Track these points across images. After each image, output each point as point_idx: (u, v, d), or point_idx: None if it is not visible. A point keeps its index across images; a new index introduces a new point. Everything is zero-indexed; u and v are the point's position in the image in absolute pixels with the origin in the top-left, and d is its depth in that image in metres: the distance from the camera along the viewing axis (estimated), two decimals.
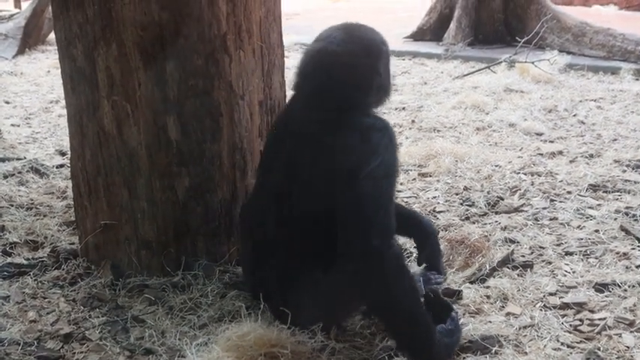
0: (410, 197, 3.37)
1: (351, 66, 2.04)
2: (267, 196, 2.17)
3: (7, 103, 5.77)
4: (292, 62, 6.25)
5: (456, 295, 2.39)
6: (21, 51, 8.34)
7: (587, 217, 3.07)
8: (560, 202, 3.25)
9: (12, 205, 3.28)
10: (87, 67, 2.46)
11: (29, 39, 8.59)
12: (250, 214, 2.30)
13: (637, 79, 6.18)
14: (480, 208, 3.19)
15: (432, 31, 7.86)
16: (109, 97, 2.44)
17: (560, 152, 4.02)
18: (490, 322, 2.24)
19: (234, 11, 2.45)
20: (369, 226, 1.89)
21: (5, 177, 3.67)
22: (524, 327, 2.20)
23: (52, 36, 8.35)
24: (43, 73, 7.11)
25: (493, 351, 2.07)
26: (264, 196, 2.20)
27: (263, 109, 2.62)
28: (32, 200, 3.37)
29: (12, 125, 4.96)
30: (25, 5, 12.67)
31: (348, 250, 1.91)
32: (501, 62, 6.38)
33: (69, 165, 2.97)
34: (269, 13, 2.61)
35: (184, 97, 2.42)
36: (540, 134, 4.43)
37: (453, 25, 7.57)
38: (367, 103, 2.09)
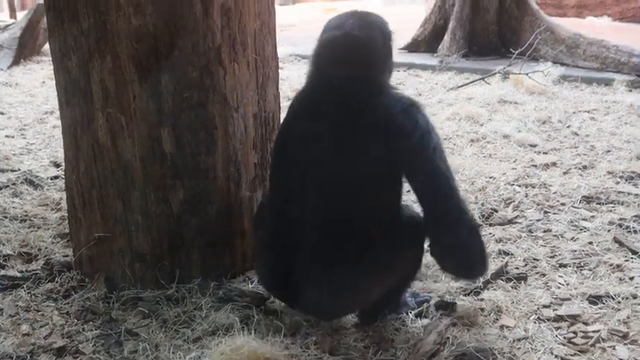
0: None
1: (375, 50, 2.15)
2: (299, 188, 2.14)
3: (2, 114, 5.77)
4: (287, 73, 6.25)
5: (450, 307, 2.39)
6: (16, 61, 8.36)
7: (580, 229, 3.08)
8: (554, 213, 3.26)
9: (6, 217, 3.27)
10: (81, 79, 2.46)
11: (24, 49, 8.60)
12: (278, 209, 2.25)
13: (630, 91, 6.20)
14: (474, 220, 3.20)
15: (426, 42, 7.89)
16: (103, 110, 2.44)
17: (554, 164, 4.03)
18: (484, 334, 2.23)
19: (228, 24, 2.46)
20: (457, 197, 2.04)
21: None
22: (518, 339, 2.20)
23: (47, 47, 8.34)
24: (37, 84, 7.11)
25: None
26: (296, 189, 2.16)
27: (257, 122, 2.62)
28: (26, 212, 3.36)
29: (6, 136, 4.95)
30: (20, 15, 12.70)
31: (446, 222, 2.03)
32: (495, 74, 6.40)
33: (63, 177, 2.97)
34: (263, 25, 2.62)
35: (179, 109, 2.42)
36: (534, 145, 4.44)
37: (447, 37, 7.60)
38: (389, 83, 2.20)
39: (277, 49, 2.82)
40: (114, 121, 2.44)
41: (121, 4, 2.35)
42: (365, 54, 2.12)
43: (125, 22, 2.36)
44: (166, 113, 2.42)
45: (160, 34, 2.37)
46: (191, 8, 2.38)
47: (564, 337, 2.21)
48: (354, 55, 2.11)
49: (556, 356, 2.11)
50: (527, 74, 6.11)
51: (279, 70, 2.84)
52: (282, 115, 2.86)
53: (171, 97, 2.41)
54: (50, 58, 2.62)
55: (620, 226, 3.08)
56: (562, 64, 6.96)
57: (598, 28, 9.78)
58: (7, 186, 3.71)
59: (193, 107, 2.43)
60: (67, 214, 2.82)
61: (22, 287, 2.60)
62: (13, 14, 13.39)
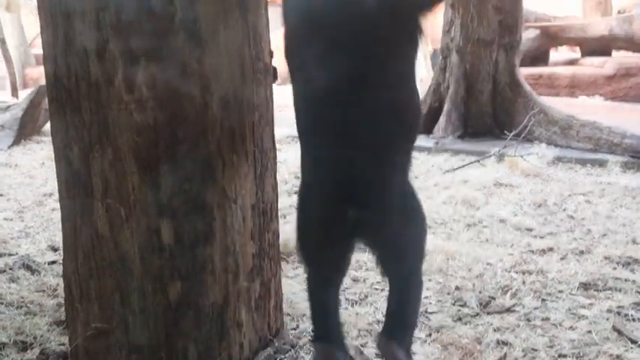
0: None
1: None
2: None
3: (1, 195, 5.80)
4: (284, 156, 6.30)
5: None
6: (17, 142, 8.44)
7: (579, 317, 3.07)
8: (552, 301, 3.26)
9: (2, 303, 3.26)
10: (82, 170, 2.50)
11: (25, 130, 8.70)
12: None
13: (624, 172, 6.27)
14: (472, 308, 3.19)
15: (422, 124, 8.00)
16: (103, 201, 2.47)
17: (551, 249, 4.04)
18: None
19: (228, 116, 2.51)
20: None
21: None
22: None
23: (47, 127, 8.44)
24: (37, 164, 7.17)
25: None
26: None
27: (255, 213, 2.64)
28: (22, 298, 3.35)
29: (5, 219, 4.97)
30: (22, 94, 12.88)
31: None
32: (491, 156, 6.48)
33: (61, 262, 2.98)
34: (262, 117, 2.67)
35: (178, 201, 2.45)
36: (531, 229, 4.46)
37: (442, 119, 7.72)
38: None
39: (274, 114, 2.85)
40: (113, 213, 2.46)
41: (122, 98, 2.40)
42: None
43: (126, 115, 2.41)
44: (165, 205, 2.44)
45: (160, 127, 2.42)
46: (191, 101, 2.43)
47: None
48: None
49: None
50: (521, 156, 6.19)
51: (277, 153, 2.89)
52: (280, 205, 2.90)
53: (170, 189, 2.44)
54: (50, 138, 2.66)
55: (619, 314, 3.08)
56: (556, 146, 7.06)
57: (590, 107, 9.96)
58: (4, 271, 3.70)
59: (192, 199, 2.46)
60: (63, 301, 2.81)
61: None
62: (15, 93, 13.58)
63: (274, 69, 2.79)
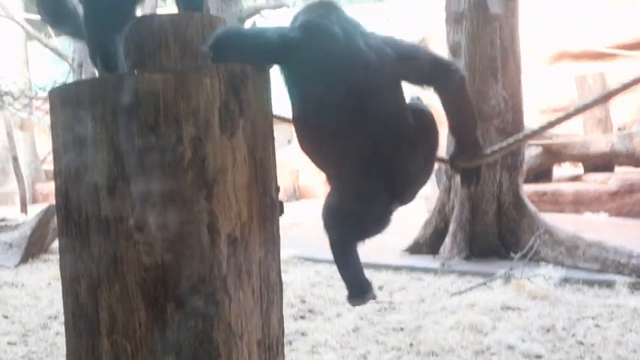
0: None
1: None
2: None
3: (6, 317, 5.79)
4: (291, 278, 6.29)
5: None
6: (24, 260, 8.49)
7: None
8: None
9: None
10: (90, 304, 2.51)
11: (33, 248, 8.77)
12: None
13: (632, 293, 6.22)
14: None
15: (427, 244, 8.03)
16: (109, 336, 2.47)
17: None
18: None
19: (234, 253, 2.54)
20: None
21: None
22: None
23: (55, 244, 8.53)
24: (44, 284, 7.17)
25: None
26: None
27: (261, 348, 2.63)
28: None
29: (8, 343, 4.95)
30: (31, 209, 13.03)
31: (453, 75, 2.73)
32: (497, 278, 6.46)
33: None
34: (268, 252, 2.70)
35: (184, 337, 2.44)
36: (540, 357, 4.41)
37: (448, 240, 7.75)
38: None
39: (280, 252, 2.89)
40: (119, 348, 2.46)
41: (132, 235, 2.44)
42: None
43: (135, 252, 2.45)
44: (171, 341, 2.44)
45: (168, 264, 2.45)
46: (199, 239, 2.47)
47: None
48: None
49: None
50: (528, 278, 6.17)
51: (282, 274, 2.90)
52: (286, 330, 2.90)
53: (177, 326, 2.44)
54: (57, 257, 2.69)
55: None
56: (563, 266, 7.04)
57: (596, 224, 9.99)
58: None
59: (198, 336, 2.46)
60: None
61: None
62: (24, 209, 13.75)
63: (281, 203, 2.85)
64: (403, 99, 2.72)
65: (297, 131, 2.79)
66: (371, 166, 2.66)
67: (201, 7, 3.24)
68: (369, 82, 2.59)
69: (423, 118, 2.79)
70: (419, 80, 2.75)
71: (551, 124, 2.97)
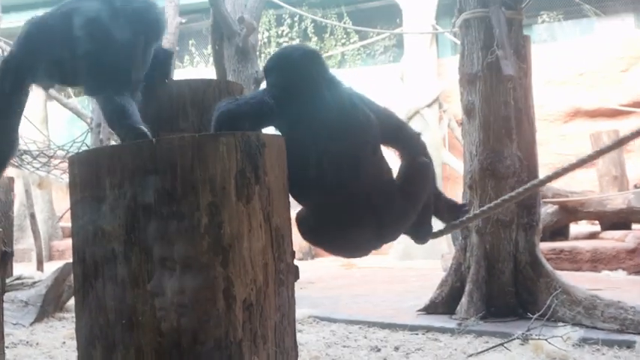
0: None
1: None
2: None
3: None
4: (306, 338, 6.24)
5: None
6: (39, 319, 8.47)
7: None
8: None
9: None
10: None
11: (48, 306, 8.77)
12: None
13: None
14: None
15: (444, 304, 7.95)
16: None
17: None
18: None
19: (250, 318, 2.55)
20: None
21: None
22: None
23: (70, 302, 8.53)
24: (58, 344, 7.14)
25: None
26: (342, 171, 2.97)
27: None
28: None
29: None
30: (47, 266, 13.07)
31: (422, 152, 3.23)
32: (515, 339, 6.38)
33: None
34: (284, 317, 2.71)
35: None
36: None
37: (464, 299, 7.67)
38: None
39: (295, 313, 2.90)
40: None
41: (147, 299, 2.47)
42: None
43: (151, 317, 2.47)
44: None
45: (183, 329, 2.47)
46: (214, 304, 2.49)
47: None
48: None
49: None
50: (546, 339, 6.08)
51: (297, 334, 2.90)
52: None
53: None
54: (72, 315, 2.71)
55: None
56: (581, 326, 6.92)
57: (614, 282, 9.87)
58: None
59: None
60: None
61: None
62: (40, 267, 13.79)
63: (296, 268, 2.87)
64: (380, 152, 3.08)
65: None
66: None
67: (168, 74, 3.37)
68: (348, 138, 2.95)
69: (410, 169, 3.18)
70: (389, 140, 3.16)
71: (557, 175, 3.27)
